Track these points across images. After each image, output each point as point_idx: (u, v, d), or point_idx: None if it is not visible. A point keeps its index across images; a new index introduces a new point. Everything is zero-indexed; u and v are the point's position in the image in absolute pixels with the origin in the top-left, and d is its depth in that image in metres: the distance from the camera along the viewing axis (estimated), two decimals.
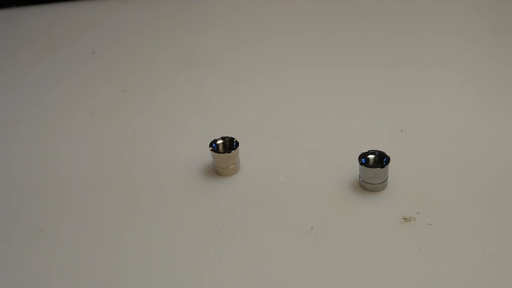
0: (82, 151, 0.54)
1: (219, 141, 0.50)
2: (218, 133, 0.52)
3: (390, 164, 0.47)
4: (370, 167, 0.47)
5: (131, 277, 0.43)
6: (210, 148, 0.49)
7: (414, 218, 0.45)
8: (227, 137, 0.50)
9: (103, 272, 0.43)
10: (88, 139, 0.56)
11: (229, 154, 0.49)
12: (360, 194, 0.47)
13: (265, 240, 0.45)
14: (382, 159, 0.47)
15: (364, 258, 0.43)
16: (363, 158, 0.47)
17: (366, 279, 0.41)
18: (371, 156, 0.47)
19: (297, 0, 0.77)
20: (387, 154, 0.47)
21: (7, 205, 0.50)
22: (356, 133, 0.54)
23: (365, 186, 0.47)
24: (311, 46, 0.68)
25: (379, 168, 0.46)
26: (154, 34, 0.73)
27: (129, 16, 0.76)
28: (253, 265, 0.43)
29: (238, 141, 0.50)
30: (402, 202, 0.46)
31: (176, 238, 0.45)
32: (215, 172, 0.50)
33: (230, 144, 0.50)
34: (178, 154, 0.53)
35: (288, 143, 0.53)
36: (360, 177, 0.48)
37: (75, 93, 0.63)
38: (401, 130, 0.54)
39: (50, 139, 0.56)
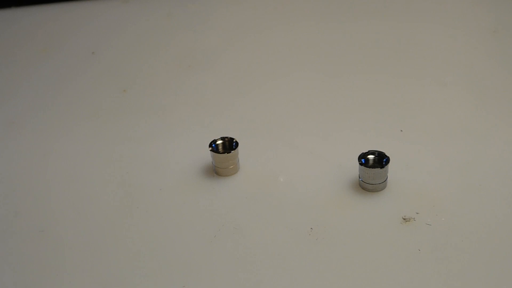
0: (81, 151, 0.54)
1: (219, 141, 0.50)
2: (217, 133, 0.52)
3: (389, 164, 0.47)
4: (369, 167, 0.47)
5: (131, 277, 0.43)
6: (210, 148, 0.49)
7: (414, 218, 0.45)
8: (226, 137, 0.50)
9: (102, 272, 0.43)
10: (87, 139, 0.56)
11: (228, 154, 0.49)
12: (359, 194, 0.47)
13: (265, 240, 0.44)
14: (381, 159, 0.47)
15: (363, 258, 0.43)
16: (362, 158, 0.47)
17: (366, 279, 0.41)
18: (370, 156, 0.47)
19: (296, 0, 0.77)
20: (387, 154, 0.47)
21: (7, 205, 0.50)
22: (355, 133, 0.54)
23: (365, 186, 0.47)
24: (311, 46, 0.68)
25: (379, 168, 0.46)
26: (154, 34, 0.73)
27: (129, 16, 0.76)
28: (253, 265, 0.43)
29: (238, 141, 0.50)
30: (402, 202, 0.46)
31: (175, 238, 0.45)
32: (215, 172, 0.50)
33: (229, 144, 0.50)
34: (177, 154, 0.53)
35: (287, 143, 0.53)
36: (359, 177, 0.48)
37: (75, 93, 0.63)
38: (401, 130, 0.54)
39: (49, 139, 0.56)
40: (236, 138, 0.50)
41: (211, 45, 0.69)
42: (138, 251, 0.45)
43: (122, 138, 0.56)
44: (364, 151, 0.47)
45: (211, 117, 0.57)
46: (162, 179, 0.51)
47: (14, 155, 0.55)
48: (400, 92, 0.59)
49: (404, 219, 0.45)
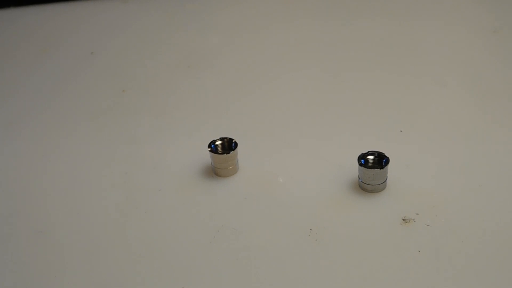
0: (80, 152, 0.54)
1: (218, 142, 0.50)
2: (217, 133, 0.52)
3: (389, 165, 0.46)
4: (369, 168, 0.46)
5: (129, 278, 0.43)
6: (209, 149, 0.49)
7: (414, 219, 0.45)
8: (226, 137, 0.50)
9: (101, 273, 0.43)
10: (86, 140, 0.56)
11: (228, 155, 0.49)
12: (359, 195, 0.47)
13: (264, 241, 0.44)
14: (381, 160, 0.47)
15: (363, 259, 0.43)
16: (362, 159, 0.47)
17: (365, 280, 0.41)
18: (370, 157, 0.47)
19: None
20: (387, 155, 0.47)
21: (5, 205, 0.49)
22: (355, 134, 0.54)
23: (365, 187, 0.47)
24: (310, 47, 0.68)
25: (379, 169, 0.46)
26: (153, 34, 0.72)
27: (128, 16, 0.76)
28: (252, 266, 0.43)
29: (237, 141, 0.50)
30: (402, 203, 0.46)
31: (174, 239, 0.45)
32: (214, 172, 0.50)
33: (229, 145, 0.50)
34: (177, 155, 0.53)
35: (287, 143, 0.53)
36: (359, 178, 0.47)
37: (74, 93, 0.63)
38: (401, 131, 0.54)
39: (47, 139, 0.56)
40: (236, 138, 0.50)
41: (211, 45, 0.69)
42: (136, 252, 0.44)
43: (121, 138, 0.56)
44: (364, 152, 0.47)
45: (210, 118, 0.57)
46: (161, 179, 0.50)
47: (13, 155, 0.55)
48: (399, 92, 0.59)
49: (404, 220, 0.45)
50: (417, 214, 0.45)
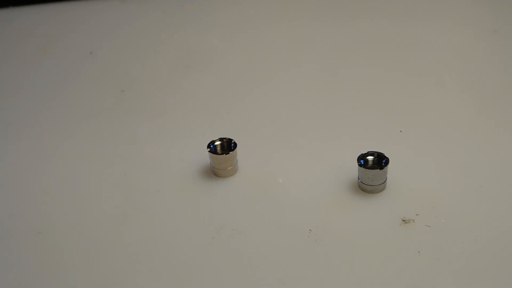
0: (78, 152, 0.54)
1: (217, 142, 0.50)
2: (216, 134, 0.52)
3: (389, 166, 0.46)
4: (369, 169, 0.46)
5: (129, 279, 0.43)
6: (208, 149, 0.49)
7: (413, 220, 0.45)
8: (225, 138, 0.50)
9: (100, 274, 0.43)
10: (85, 140, 0.56)
11: (227, 155, 0.49)
12: (359, 196, 0.47)
13: (264, 242, 0.44)
14: (381, 160, 0.47)
15: (362, 260, 0.42)
16: (362, 160, 0.47)
17: (365, 281, 0.41)
18: (370, 158, 0.47)
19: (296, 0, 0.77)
20: (386, 155, 0.47)
21: (4, 206, 0.49)
22: (355, 134, 0.54)
23: (364, 188, 0.47)
24: (310, 47, 0.67)
25: (378, 170, 0.46)
26: (152, 34, 0.72)
27: (127, 16, 0.76)
28: (251, 267, 0.43)
29: (236, 142, 0.50)
30: (401, 204, 0.46)
31: (173, 240, 0.45)
32: (213, 173, 0.50)
33: (228, 145, 0.50)
34: (176, 155, 0.53)
35: (286, 144, 0.53)
36: (359, 179, 0.47)
37: (73, 93, 0.63)
38: (400, 131, 0.54)
39: (46, 139, 0.56)
40: (235, 139, 0.50)
41: (210, 45, 0.69)
42: (135, 253, 0.44)
43: (120, 138, 0.56)
44: (363, 152, 0.47)
45: (209, 118, 0.57)
46: (160, 180, 0.50)
47: (11, 156, 0.55)
48: (399, 93, 0.59)
49: (403, 220, 0.45)
50: (417, 215, 0.45)
